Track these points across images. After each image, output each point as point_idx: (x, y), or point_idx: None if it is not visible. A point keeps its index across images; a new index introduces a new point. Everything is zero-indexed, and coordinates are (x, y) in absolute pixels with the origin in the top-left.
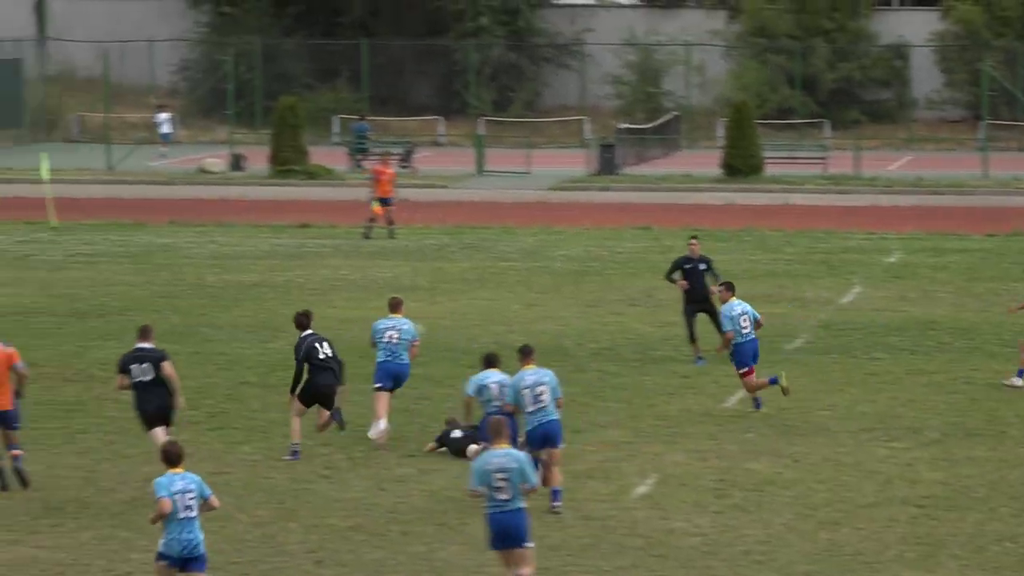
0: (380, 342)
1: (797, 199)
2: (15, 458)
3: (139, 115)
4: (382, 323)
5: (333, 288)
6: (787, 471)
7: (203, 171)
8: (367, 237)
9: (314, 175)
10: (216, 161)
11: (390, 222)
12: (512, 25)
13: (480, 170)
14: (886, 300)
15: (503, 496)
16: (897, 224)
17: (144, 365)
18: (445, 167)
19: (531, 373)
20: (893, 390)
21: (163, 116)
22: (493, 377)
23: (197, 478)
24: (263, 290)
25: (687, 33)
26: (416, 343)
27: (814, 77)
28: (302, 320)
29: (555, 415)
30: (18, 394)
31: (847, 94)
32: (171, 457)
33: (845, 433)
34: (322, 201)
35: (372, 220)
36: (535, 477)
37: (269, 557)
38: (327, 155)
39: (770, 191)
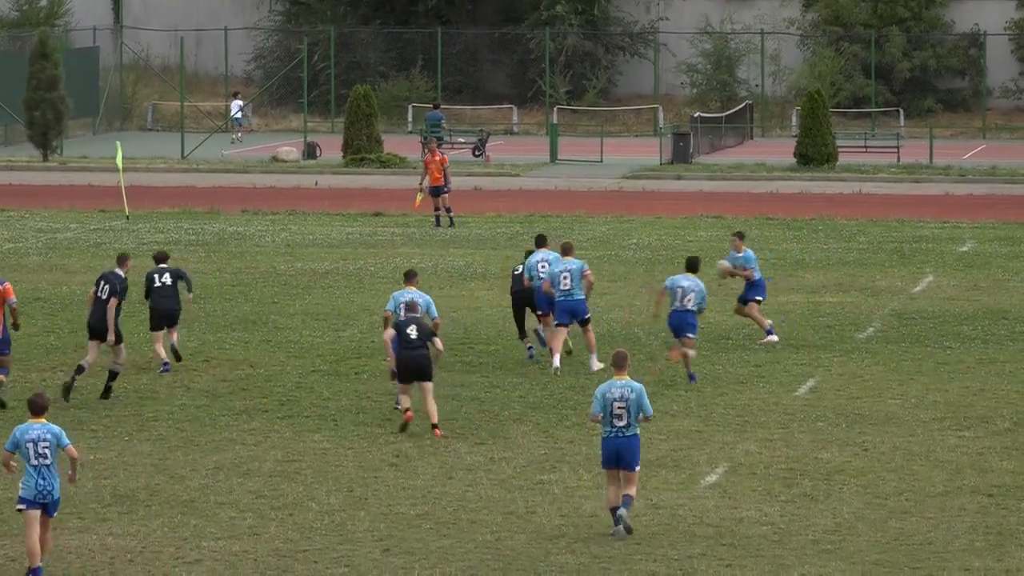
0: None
1: (870, 188)
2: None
3: (213, 104)
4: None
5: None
6: (856, 460)
7: (277, 160)
8: (438, 225)
9: (387, 164)
10: (290, 150)
11: (446, 209)
12: (587, 13)
13: (553, 158)
14: (958, 289)
15: (620, 423)
16: (970, 213)
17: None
18: (518, 155)
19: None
20: (964, 379)
21: (236, 103)
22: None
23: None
24: (335, 278)
25: (762, 22)
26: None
27: (889, 66)
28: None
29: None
30: (16, 327)
31: (921, 83)
32: (35, 407)
33: (915, 422)
34: (395, 189)
35: (437, 209)
36: (651, 407)
37: (338, 545)
38: (401, 144)
39: (843, 180)
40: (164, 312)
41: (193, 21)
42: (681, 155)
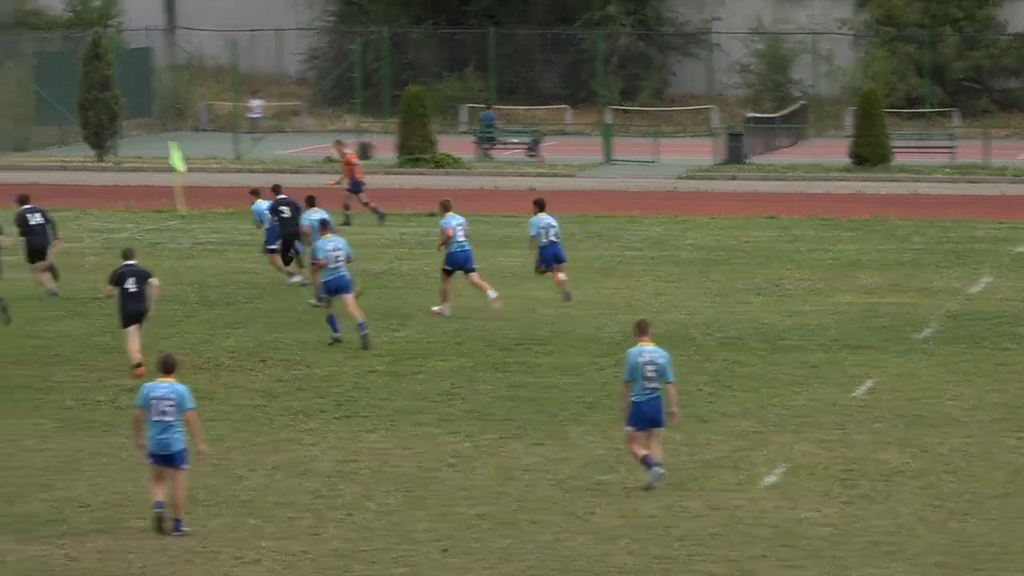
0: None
1: (925, 188)
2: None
3: (268, 104)
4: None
5: (461, 276)
6: (915, 461)
7: (331, 160)
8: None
9: (441, 164)
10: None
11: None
12: (639, 14)
13: (607, 159)
14: (1015, 290)
15: (651, 385)
16: None
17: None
18: (572, 156)
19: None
20: (1022, 380)
21: (256, 103)
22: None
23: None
24: (391, 278)
25: (815, 22)
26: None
27: (943, 66)
28: None
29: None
30: None
31: (976, 83)
32: (163, 366)
33: (974, 423)
34: (449, 190)
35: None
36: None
37: (396, 545)
38: (454, 144)
39: (898, 180)
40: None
41: (246, 21)
42: (735, 155)
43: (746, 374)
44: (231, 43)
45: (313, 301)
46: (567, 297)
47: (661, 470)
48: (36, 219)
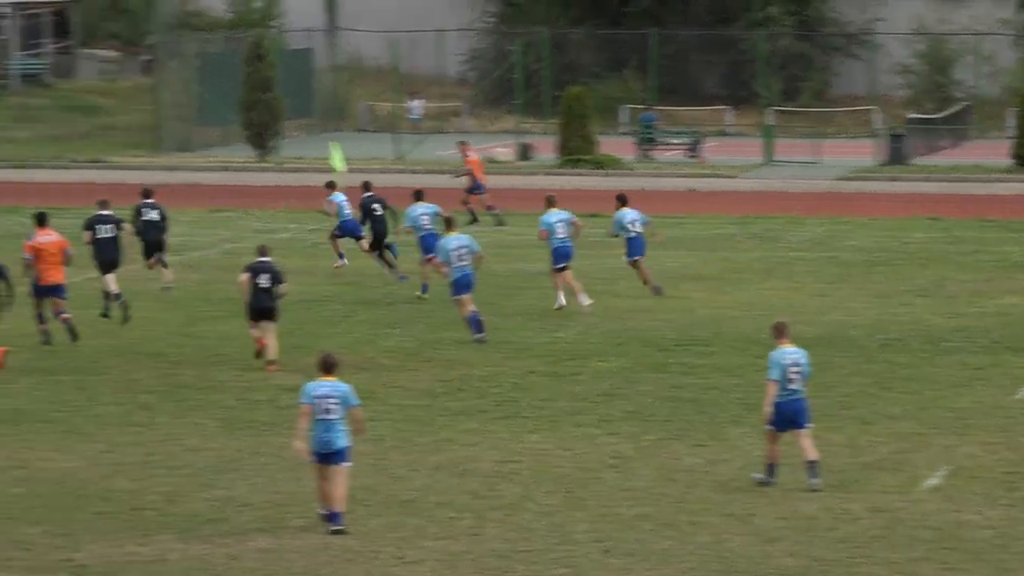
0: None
1: None
2: (67, 320)
3: (428, 104)
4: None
5: (620, 277)
6: None
7: (491, 160)
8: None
9: (602, 165)
10: (504, 150)
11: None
12: (801, 14)
13: (768, 160)
14: None
15: (794, 386)
16: None
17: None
18: (733, 157)
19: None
20: None
21: (416, 103)
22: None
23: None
24: (548, 278)
25: (977, 22)
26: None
27: None
28: None
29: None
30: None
31: None
32: (324, 365)
33: None
34: (610, 191)
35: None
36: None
37: (557, 546)
38: (615, 145)
39: None
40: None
41: (407, 22)
42: (897, 156)
43: (908, 376)
44: (392, 44)
45: (419, 292)
46: (657, 292)
47: (817, 479)
48: (152, 215)
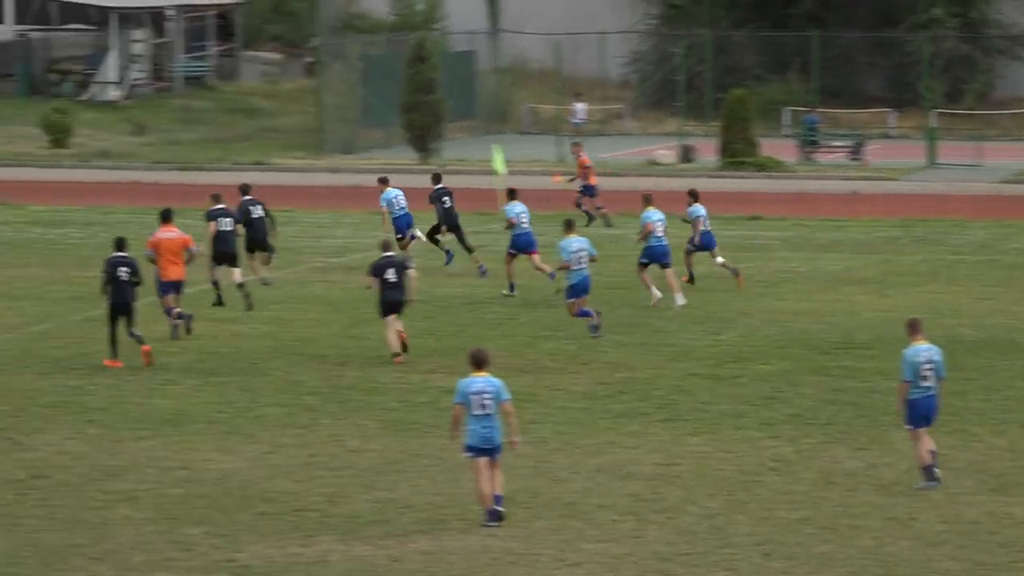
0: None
1: None
2: (187, 316)
3: (591, 107)
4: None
5: (783, 280)
6: None
7: (653, 163)
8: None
9: (764, 167)
10: (666, 153)
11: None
12: (965, 16)
13: (931, 162)
14: None
15: (927, 383)
16: None
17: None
18: (895, 159)
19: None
20: None
21: (579, 106)
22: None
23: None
24: (711, 281)
25: None
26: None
27: None
28: None
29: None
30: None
31: None
32: (476, 361)
33: None
34: (772, 193)
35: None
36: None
37: (718, 549)
38: (777, 147)
39: None
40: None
41: (569, 24)
42: None
43: None
44: (555, 46)
45: (505, 291)
46: (735, 273)
47: (936, 483)
48: (257, 211)
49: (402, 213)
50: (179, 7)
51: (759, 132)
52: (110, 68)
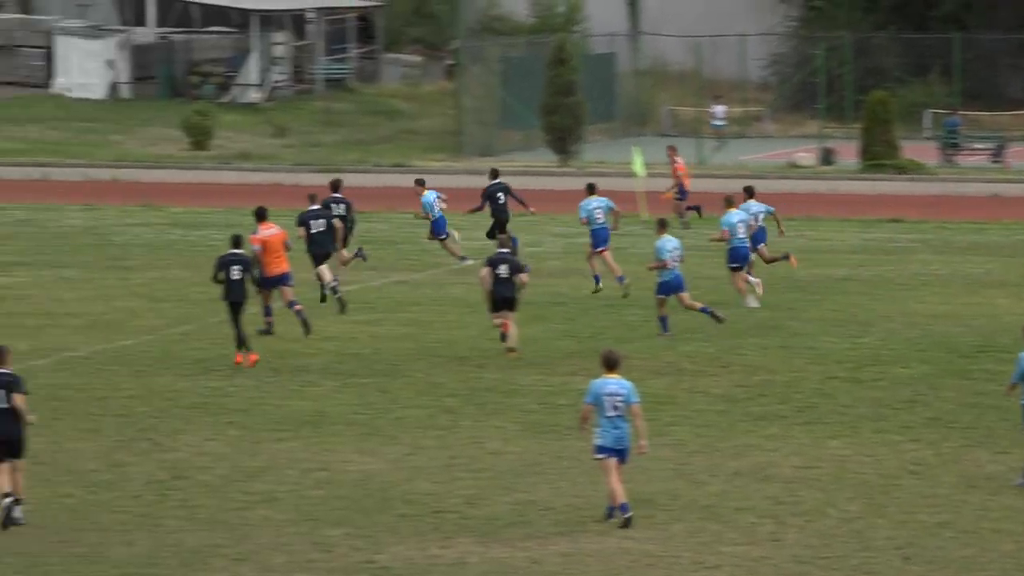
0: None
1: None
2: (299, 311)
3: (730, 109)
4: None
5: (923, 284)
6: None
7: (793, 165)
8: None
9: (905, 169)
10: (806, 155)
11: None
12: None
13: None
14: None
15: None
16: None
17: None
18: None
19: None
20: None
21: (719, 109)
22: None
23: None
24: (852, 284)
25: None
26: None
27: None
28: None
29: None
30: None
31: None
32: (608, 362)
33: None
34: (913, 196)
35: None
36: None
37: (857, 552)
38: (918, 150)
39: None
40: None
41: (709, 26)
42: None
43: None
44: (695, 48)
45: (595, 288)
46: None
47: None
48: (339, 209)
49: (439, 216)
50: (320, 9)
51: (900, 134)
52: (251, 70)
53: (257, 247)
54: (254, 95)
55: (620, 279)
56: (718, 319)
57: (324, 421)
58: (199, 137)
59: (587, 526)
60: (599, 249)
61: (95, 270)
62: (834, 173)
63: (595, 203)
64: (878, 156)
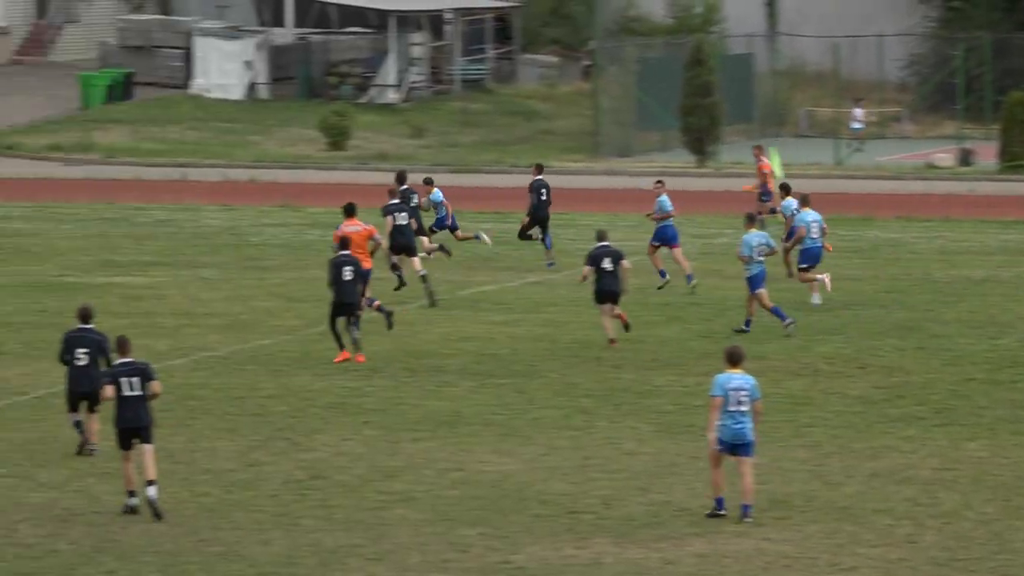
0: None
1: None
2: (380, 308)
3: (868, 110)
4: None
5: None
6: None
7: (931, 166)
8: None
9: None
10: (944, 156)
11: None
12: None
13: None
14: None
15: None
16: None
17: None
18: None
19: None
20: None
21: (858, 111)
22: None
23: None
24: (990, 286)
25: None
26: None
27: None
28: None
29: None
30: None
31: None
32: (732, 358)
33: None
34: None
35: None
36: None
37: (995, 555)
38: None
39: None
40: None
41: (847, 27)
42: None
43: None
44: (834, 49)
45: (692, 284)
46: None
47: None
48: (416, 201)
49: (444, 213)
50: (458, 10)
51: None
52: (389, 71)
53: (337, 244)
54: (392, 96)
55: (689, 277)
56: (786, 323)
57: (461, 421)
58: (337, 138)
59: (723, 527)
60: (672, 245)
61: (233, 270)
62: (973, 174)
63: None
64: (1017, 157)
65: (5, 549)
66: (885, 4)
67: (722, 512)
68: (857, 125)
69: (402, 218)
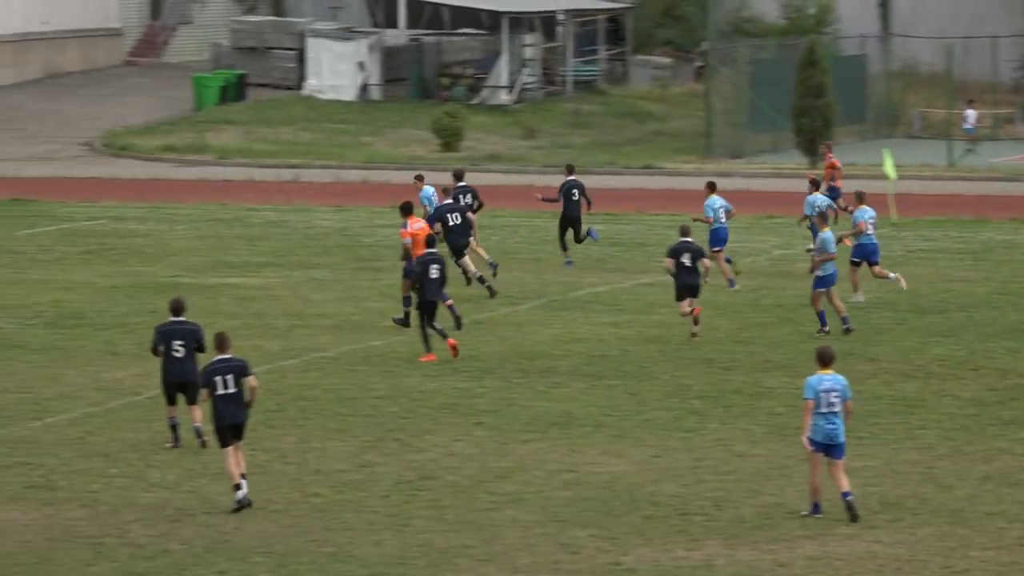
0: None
1: None
2: (451, 307)
3: (981, 112)
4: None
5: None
6: None
7: None
8: None
9: None
10: None
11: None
12: None
13: None
14: None
15: None
16: None
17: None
18: None
19: None
20: None
21: (971, 113)
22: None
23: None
24: None
25: None
26: None
27: None
28: None
29: None
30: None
31: None
32: (823, 359)
33: None
34: None
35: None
36: None
37: None
38: None
39: None
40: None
41: (961, 28)
42: None
43: None
44: (947, 50)
45: (733, 287)
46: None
47: None
48: (467, 199)
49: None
50: (570, 11)
51: None
52: (501, 72)
53: (408, 240)
54: (504, 97)
55: (731, 283)
56: (821, 330)
57: (572, 423)
58: (449, 138)
59: (834, 529)
60: (716, 249)
61: (345, 271)
62: None
63: (719, 202)
64: None
65: (118, 549)
66: (999, 5)
67: (817, 515)
68: (969, 127)
69: (455, 218)
